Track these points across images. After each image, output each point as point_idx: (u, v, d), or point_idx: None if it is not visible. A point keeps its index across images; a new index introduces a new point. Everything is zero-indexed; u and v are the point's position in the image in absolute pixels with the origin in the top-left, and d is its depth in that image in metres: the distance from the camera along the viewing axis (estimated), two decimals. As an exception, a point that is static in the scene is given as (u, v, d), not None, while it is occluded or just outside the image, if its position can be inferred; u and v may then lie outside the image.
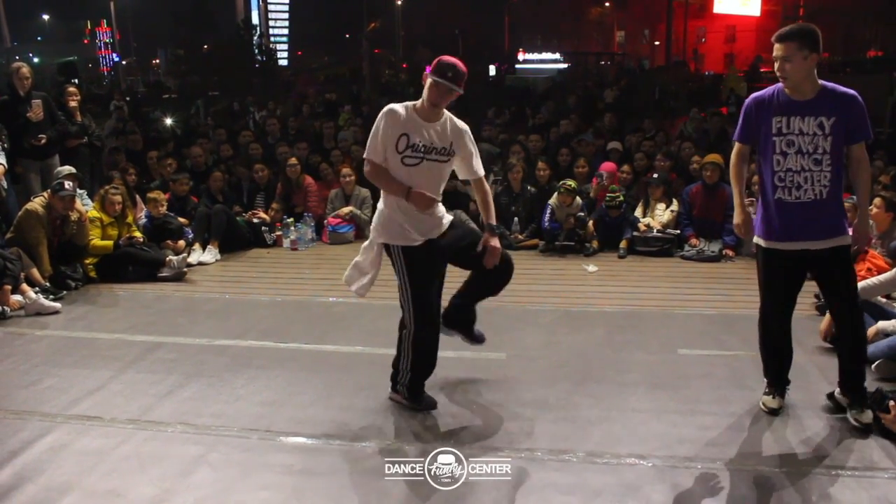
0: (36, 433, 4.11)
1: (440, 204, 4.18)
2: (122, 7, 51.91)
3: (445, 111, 4.12)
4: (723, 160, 8.16)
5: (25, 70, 7.68)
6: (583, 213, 7.90)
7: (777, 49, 3.77)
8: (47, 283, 6.62)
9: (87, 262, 7.12)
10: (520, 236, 8.19)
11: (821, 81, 3.80)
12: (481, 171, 4.28)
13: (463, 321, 4.41)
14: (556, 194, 8.03)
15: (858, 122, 3.77)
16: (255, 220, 8.53)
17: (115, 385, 4.76)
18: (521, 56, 48.84)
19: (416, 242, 4.06)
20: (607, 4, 52.36)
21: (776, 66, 3.82)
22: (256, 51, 27.89)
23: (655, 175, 8.32)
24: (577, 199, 8.02)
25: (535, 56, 48.98)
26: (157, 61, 54.59)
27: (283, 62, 46.98)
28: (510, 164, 8.60)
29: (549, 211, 7.99)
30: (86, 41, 59.43)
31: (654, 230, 7.90)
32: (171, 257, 7.19)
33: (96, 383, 4.77)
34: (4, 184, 7.19)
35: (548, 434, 4.01)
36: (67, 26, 61.70)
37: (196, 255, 7.74)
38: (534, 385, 4.63)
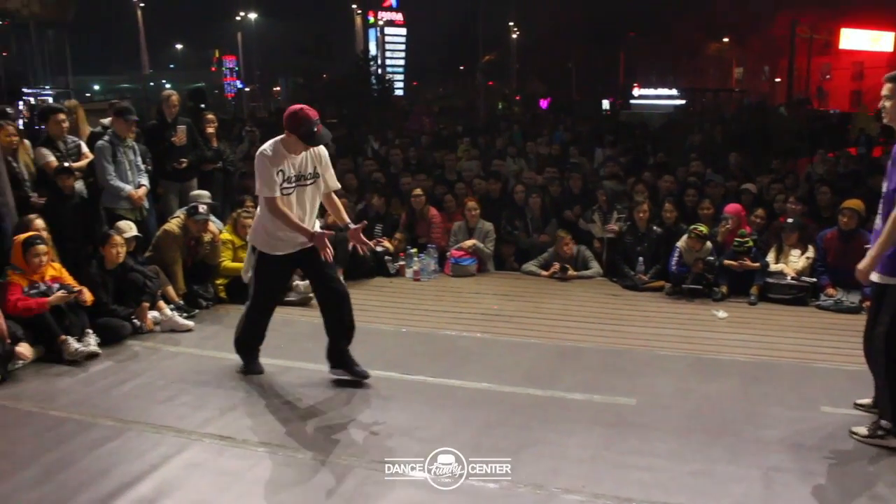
0: (174, 449, 4.25)
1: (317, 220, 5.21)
2: (248, 37, 54.46)
3: None
4: (863, 206, 7.75)
5: (175, 98, 8.13)
6: (712, 258, 7.62)
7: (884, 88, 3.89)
8: (181, 301, 6.88)
9: (218, 282, 7.34)
10: (644, 277, 7.96)
11: None
12: (336, 186, 5.18)
13: (340, 362, 5.22)
14: (685, 237, 7.77)
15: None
16: (379, 249, 8.57)
17: (245, 407, 4.87)
18: (636, 91, 48.19)
19: (279, 253, 5.01)
20: (726, 40, 51.06)
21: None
22: (374, 81, 28.59)
23: (790, 220, 7.93)
24: (708, 243, 7.75)
25: (651, 91, 48.22)
26: (278, 88, 56.60)
27: (399, 92, 48.04)
28: (636, 204, 8.41)
29: (677, 253, 7.72)
30: (213, 69, 62.36)
31: (789, 277, 7.54)
32: (297, 283, 7.32)
33: (228, 403, 4.90)
34: (147, 204, 7.52)
35: (686, 488, 3.85)
36: (198, 55, 64.86)
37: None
38: (667, 434, 4.46)
